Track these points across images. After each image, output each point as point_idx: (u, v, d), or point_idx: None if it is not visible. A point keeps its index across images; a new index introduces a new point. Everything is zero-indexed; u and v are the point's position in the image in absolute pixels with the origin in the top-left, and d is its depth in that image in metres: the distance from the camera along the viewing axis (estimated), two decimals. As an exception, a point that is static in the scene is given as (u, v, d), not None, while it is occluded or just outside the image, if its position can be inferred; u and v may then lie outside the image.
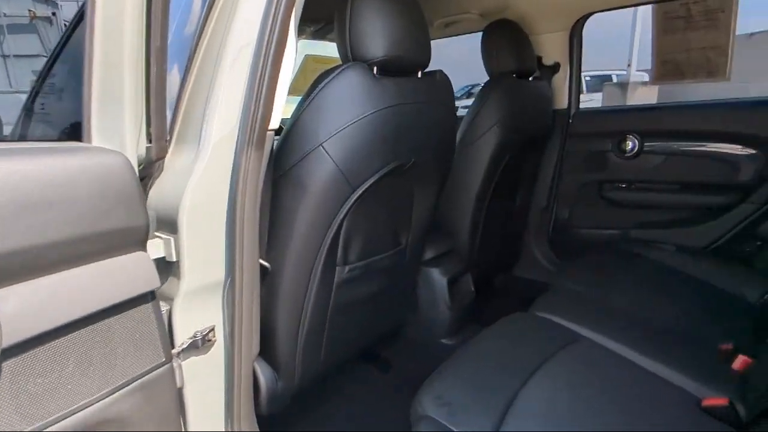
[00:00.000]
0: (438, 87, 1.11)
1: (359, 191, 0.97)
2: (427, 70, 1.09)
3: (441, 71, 1.13)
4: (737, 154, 1.64)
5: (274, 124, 0.80)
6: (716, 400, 0.93)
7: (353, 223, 1.03)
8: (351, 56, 0.96)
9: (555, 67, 1.91)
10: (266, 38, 0.73)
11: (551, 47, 1.89)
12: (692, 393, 0.96)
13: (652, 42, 1.70)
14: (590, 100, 9.45)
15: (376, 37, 0.93)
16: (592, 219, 2.00)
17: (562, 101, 1.96)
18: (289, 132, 0.93)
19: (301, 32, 2.18)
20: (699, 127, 1.70)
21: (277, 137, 0.88)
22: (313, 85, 0.92)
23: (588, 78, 10.17)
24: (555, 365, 0.98)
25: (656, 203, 1.83)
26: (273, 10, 0.74)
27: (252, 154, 0.76)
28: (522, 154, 1.75)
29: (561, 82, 1.94)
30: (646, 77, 8.60)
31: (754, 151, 1.61)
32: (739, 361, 1.05)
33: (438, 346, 1.54)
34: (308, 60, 2.17)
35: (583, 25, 1.87)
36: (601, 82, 9.66)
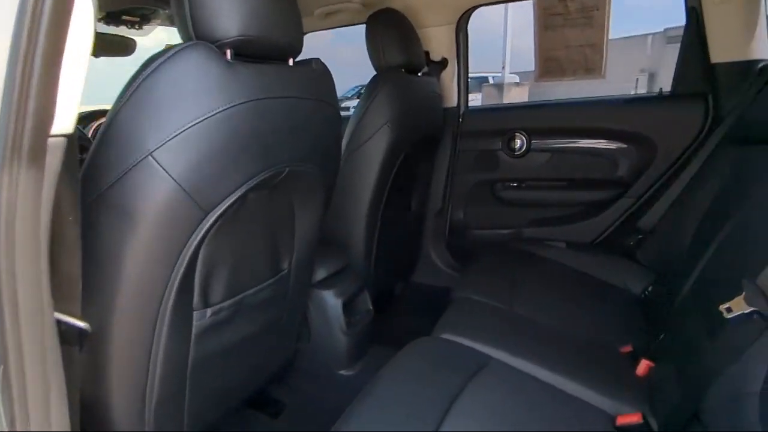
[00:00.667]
0: (315, 79, 0.90)
1: (214, 214, 0.73)
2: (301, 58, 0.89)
3: (318, 59, 0.93)
4: (614, 150, 1.70)
5: (65, 126, 0.53)
6: (629, 417, 0.89)
7: (212, 253, 0.80)
8: (194, 34, 0.72)
9: (443, 63, 1.82)
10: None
11: (438, 42, 1.80)
12: (607, 411, 0.92)
13: (534, 38, 1.68)
14: (473, 100, 10.01)
15: (229, 9, 0.71)
16: (486, 219, 1.95)
17: (451, 99, 1.88)
18: (102, 137, 0.67)
19: (157, 17, 1.83)
20: (580, 124, 1.73)
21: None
22: (137, 72, 0.67)
23: (469, 79, 10.78)
24: (469, 398, 0.86)
25: (546, 201, 1.83)
26: None
27: (23, 171, 0.49)
28: (415, 156, 1.64)
29: (449, 79, 1.86)
30: (517, 79, 9.35)
31: (625, 146, 1.67)
32: (642, 367, 1.02)
33: (337, 380, 1.34)
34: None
35: (468, 19, 1.81)
36: (479, 83, 10.28)
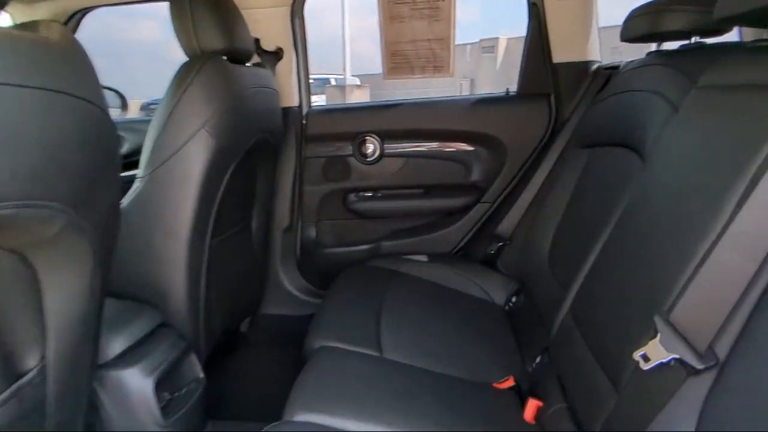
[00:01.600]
0: (265, 73, 1.31)
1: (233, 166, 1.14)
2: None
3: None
4: (466, 153, 1.61)
5: None
6: None
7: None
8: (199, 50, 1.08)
9: (278, 54, 1.52)
10: None
11: (269, 28, 1.50)
12: None
13: (380, 31, 1.50)
14: (315, 102, 9.81)
15: (220, 32, 1.10)
16: (341, 235, 1.72)
17: (291, 97, 1.59)
18: (165, 123, 1.01)
19: None
20: (432, 125, 1.60)
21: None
22: (179, 80, 1.04)
23: (311, 80, 10.55)
24: None
25: (403, 211, 1.67)
26: None
27: None
28: (250, 166, 1.32)
29: (286, 73, 1.57)
30: (358, 81, 9.46)
31: (477, 149, 1.60)
32: (530, 410, 0.89)
33: None
34: None
35: (304, 2, 1.54)
36: (322, 84, 10.15)
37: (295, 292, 1.71)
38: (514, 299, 1.36)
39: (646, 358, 0.60)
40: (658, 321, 0.60)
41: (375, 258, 1.55)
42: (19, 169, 0.50)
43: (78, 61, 0.58)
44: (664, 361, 0.58)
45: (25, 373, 0.62)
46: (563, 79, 1.45)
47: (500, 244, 1.50)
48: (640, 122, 0.97)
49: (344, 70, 8.79)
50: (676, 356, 0.56)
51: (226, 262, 1.26)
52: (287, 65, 1.55)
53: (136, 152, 1.17)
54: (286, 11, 1.49)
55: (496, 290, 1.40)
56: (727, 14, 0.68)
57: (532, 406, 0.89)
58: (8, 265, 0.58)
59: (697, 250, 0.60)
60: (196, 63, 1.06)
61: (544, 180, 1.42)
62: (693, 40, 0.98)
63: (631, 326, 0.69)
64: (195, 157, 1.02)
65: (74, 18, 1.61)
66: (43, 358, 0.64)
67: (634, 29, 1.04)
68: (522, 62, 1.52)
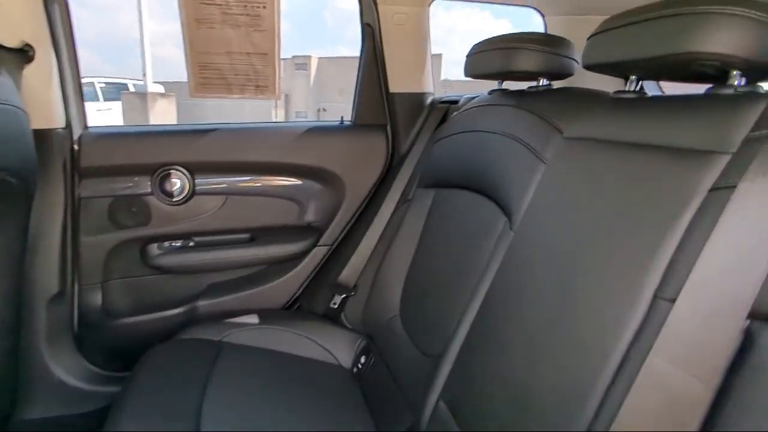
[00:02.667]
0: None
1: None
2: None
3: None
4: (300, 189, 1.38)
5: None
6: None
7: None
8: None
9: (27, 53, 1.06)
10: None
11: (11, 17, 1.03)
12: None
13: (183, 36, 1.17)
14: (109, 109, 8.35)
15: None
16: (140, 299, 1.31)
17: (52, 115, 1.13)
18: None
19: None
20: (258, 157, 1.33)
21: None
22: None
23: (103, 85, 8.95)
24: None
25: (225, 261, 1.35)
26: None
27: None
28: None
29: (43, 81, 1.10)
30: (162, 89, 8.38)
31: (313, 184, 1.39)
32: None
33: None
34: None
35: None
36: (117, 90, 8.71)
37: (74, 382, 1.23)
38: (363, 359, 1.18)
39: None
40: None
41: (191, 326, 1.19)
42: None
43: None
44: None
45: None
46: (400, 110, 1.35)
47: (344, 295, 1.31)
48: (496, 168, 0.89)
49: (144, 74, 7.64)
50: None
51: None
52: (43, 70, 1.09)
53: None
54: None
55: (341, 350, 1.20)
56: (593, 63, 0.67)
57: None
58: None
59: (613, 355, 0.52)
60: None
61: (388, 221, 1.28)
62: (541, 82, 0.95)
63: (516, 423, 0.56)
64: None
65: None
66: None
67: (479, 65, 0.97)
68: (356, 89, 1.37)
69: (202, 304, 1.32)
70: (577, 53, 0.94)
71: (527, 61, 0.89)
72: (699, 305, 0.46)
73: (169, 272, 1.31)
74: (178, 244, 1.31)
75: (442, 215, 1.11)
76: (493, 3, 1.28)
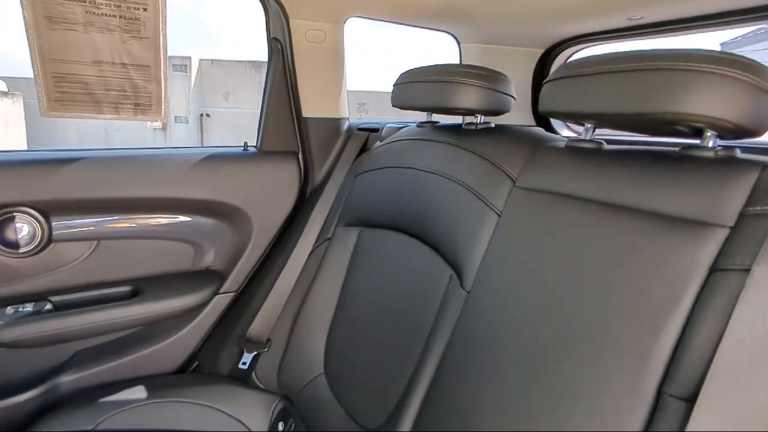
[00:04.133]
0: None
1: None
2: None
3: None
4: (197, 228, 1.15)
5: None
6: None
7: None
8: None
9: None
10: None
11: None
12: None
13: (27, 37, 0.88)
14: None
15: None
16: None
17: None
18: None
19: None
20: (142, 191, 1.07)
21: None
22: None
23: None
24: None
25: (96, 326, 1.05)
26: None
27: None
28: None
29: None
30: (4, 86, 7.00)
31: (213, 221, 1.17)
32: None
33: None
34: None
35: None
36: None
37: None
38: (281, 426, 1.01)
39: None
40: None
41: (51, 414, 0.90)
42: None
43: None
44: None
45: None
46: (313, 136, 1.20)
47: (254, 352, 1.10)
48: (436, 213, 0.79)
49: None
50: None
51: None
52: None
53: None
54: None
55: (254, 416, 1.00)
56: (553, 109, 0.65)
57: None
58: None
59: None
60: None
61: (305, 263, 1.12)
62: (480, 119, 0.88)
63: None
64: None
65: None
66: None
67: (409, 96, 0.87)
68: (262, 112, 1.18)
69: (66, 380, 1.02)
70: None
71: (468, 97, 0.81)
72: (720, 407, 0.40)
73: (16, 347, 0.99)
74: (29, 309, 0.99)
75: (369, 258, 0.98)
76: (410, 26, 1.19)
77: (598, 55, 0.59)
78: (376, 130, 1.18)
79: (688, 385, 0.43)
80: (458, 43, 1.29)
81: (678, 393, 0.43)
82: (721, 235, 0.46)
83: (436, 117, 1.01)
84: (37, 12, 0.86)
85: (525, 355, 0.56)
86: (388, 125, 1.14)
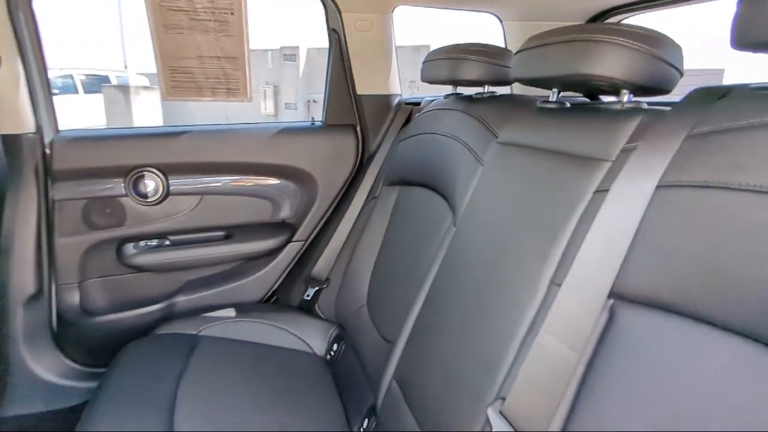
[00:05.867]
0: None
1: None
2: None
3: None
4: (274, 188, 1.43)
5: None
6: None
7: None
8: None
9: (-8, 61, 1.08)
10: None
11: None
12: None
13: (152, 40, 1.19)
14: (89, 103, 8.23)
15: None
16: (117, 296, 1.35)
17: (21, 121, 1.15)
18: None
19: None
20: (232, 157, 1.36)
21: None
22: None
23: (83, 77, 8.80)
24: None
25: (201, 259, 1.39)
26: None
27: None
28: None
29: (11, 87, 1.13)
30: (147, 81, 8.25)
31: (286, 183, 1.43)
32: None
33: None
34: None
35: (32, -5, 1.13)
36: (99, 82, 8.57)
37: (54, 379, 1.27)
38: (335, 347, 1.24)
39: None
40: (492, 414, 0.55)
41: (169, 322, 1.24)
42: None
43: None
44: None
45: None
46: (368, 111, 1.39)
47: (317, 287, 1.36)
48: (446, 168, 0.95)
49: (126, 67, 7.54)
50: None
51: None
52: (10, 77, 1.12)
53: None
54: (1, 5, 1.06)
55: (315, 339, 1.25)
56: (520, 76, 0.77)
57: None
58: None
59: (519, 332, 0.60)
60: None
61: (357, 217, 1.33)
62: (486, 89, 1.01)
63: (463, 413, 0.64)
64: None
65: None
66: None
67: (432, 72, 1.03)
68: (326, 92, 1.41)
69: (180, 300, 1.36)
70: None
71: (471, 70, 0.97)
72: (576, 289, 0.53)
73: (145, 271, 1.35)
74: (153, 243, 1.34)
75: (403, 212, 1.16)
76: (455, 9, 1.32)
77: (549, 30, 0.71)
78: (418, 104, 1.34)
79: (563, 275, 0.56)
80: (501, 21, 1.39)
81: (557, 281, 0.58)
82: (606, 167, 0.59)
83: (462, 90, 1.15)
84: (157, 21, 1.17)
85: (477, 268, 0.72)
86: (426, 98, 1.29)
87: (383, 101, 1.40)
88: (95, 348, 1.30)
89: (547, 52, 0.68)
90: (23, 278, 1.20)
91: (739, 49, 0.45)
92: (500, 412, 0.57)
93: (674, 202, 0.47)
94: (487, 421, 0.58)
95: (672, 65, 0.60)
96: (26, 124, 1.15)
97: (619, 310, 0.51)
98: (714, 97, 0.52)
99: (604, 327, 0.51)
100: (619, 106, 0.65)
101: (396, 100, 1.42)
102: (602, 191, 0.57)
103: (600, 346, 0.51)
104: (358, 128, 1.42)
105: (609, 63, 0.59)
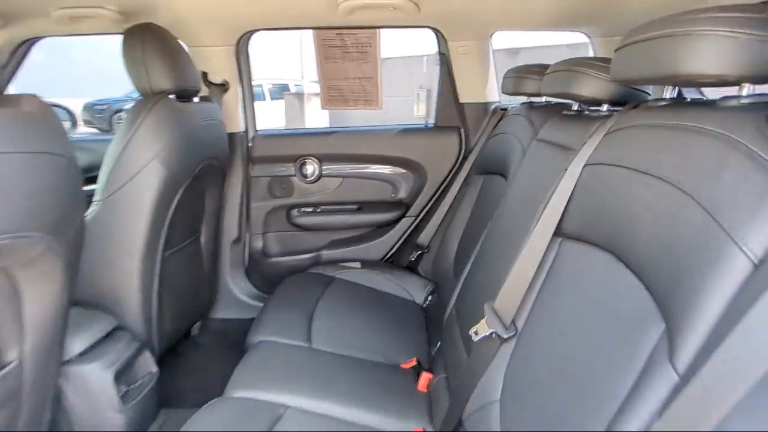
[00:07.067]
0: (212, 107, 1.51)
1: (180, 191, 1.32)
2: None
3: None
4: (394, 175, 1.86)
5: None
6: None
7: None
8: (150, 90, 1.25)
9: (225, 86, 1.71)
10: None
11: (217, 63, 1.68)
12: None
13: (317, 67, 1.72)
14: (271, 108, 9.93)
15: (169, 73, 1.27)
16: (285, 246, 1.93)
17: (237, 124, 1.78)
18: (118, 159, 1.18)
19: None
20: (365, 151, 1.84)
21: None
22: (132, 118, 1.21)
23: (270, 86, 10.65)
24: None
25: (339, 224, 1.90)
26: None
27: None
28: (200, 186, 1.50)
29: (233, 102, 1.76)
30: (318, 89, 9.59)
31: (403, 171, 1.85)
32: (423, 381, 1.13)
33: None
34: None
35: (249, 41, 1.74)
36: (281, 90, 10.23)
37: (243, 298, 1.90)
38: (429, 298, 1.61)
39: (476, 333, 0.84)
40: (486, 307, 0.85)
41: (315, 266, 1.76)
42: (15, 210, 0.69)
43: (51, 125, 0.77)
44: (486, 334, 0.82)
45: (7, 365, 0.80)
46: (469, 116, 1.73)
47: (420, 252, 1.75)
48: (509, 159, 1.24)
49: (302, 77, 8.92)
50: (493, 330, 0.81)
51: (177, 272, 1.43)
52: (233, 95, 1.74)
53: (90, 169, 1.34)
54: (231, 49, 1.68)
55: (416, 291, 1.64)
56: (623, 77, 0.73)
57: (424, 378, 1.13)
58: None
59: (521, 245, 0.83)
60: (147, 103, 1.22)
61: (453, 199, 1.69)
62: (544, 99, 1.27)
63: (475, 312, 0.93)
64: (146, 184, 1.20)
65: (23, 46, 1.72)
66: (21, 352, 0.82)
67: (506, 86, 1.33)
68: (437, 101, 1.79)
69: (324, 252, 1.89)
70: None
71: (528, 86, 1.24)
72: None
73: (303, 229, 1.90)
74: (309, 210, 1.89)
75: (484, 194, 1.47)
76: (548, 30, 1.56)
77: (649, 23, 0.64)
78: (506, 109, 1.63)
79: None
80: (590, 39, 1.58)
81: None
82: None
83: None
84: (321, 54, 1.69)
85: (510, 229, 1.01)
86: (512, 105, 1.58)
87: (481, 107, 1.72)
88: (268, 279, 1.89)
89: (650, 48, 0.61)
90: (231, 228, 1.83)
91: None
92: (492, 306, 0.84)
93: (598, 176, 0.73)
94: (483, 314, 0.86)
95: None
96: (239, 125, 1.78)
97: (559, 245, 0.78)
98: None
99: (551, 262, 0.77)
100: (734, 102, 0.58)
101: (492, 106, 1.73)
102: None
103: (550, 270, 0.79)
104: (462, 129, 1.77)
105: (708, 57, 0.53)
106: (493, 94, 1.74)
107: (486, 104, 1.73)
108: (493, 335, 0.82)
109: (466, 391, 0.87)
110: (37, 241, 0.75)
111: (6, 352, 0.80)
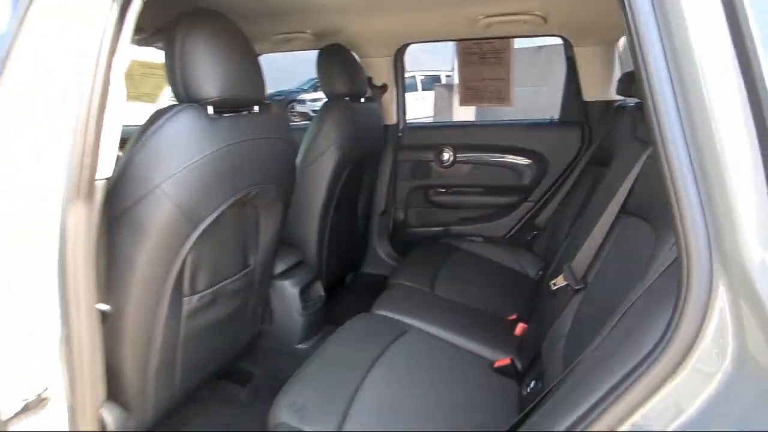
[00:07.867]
0: (274, 121, 1.18)
1: (201, 227, 1.00)
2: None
3: (277, 104, 1.21)
4: (520, 164, 2.10)
5: (105, 172, 0.80)
6: (502, 361, 1.26)
7: (199, 255, 1.06)
8: (184, 96, 0.98)
9: (384, 88, 2.15)
10: (91, 82, 0.73)
11: (379, 70, 2.13)
12: (488, 358, 1.28)
13: (458, 71, 2.05)
14: (424, 98, 10.46)
15: (210, 78, 0.96)
16: (422, 219, 2.32)
17: (391, 117, 2.22)
18: (122, 173, 0.90)
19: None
20: (494, 142, 2.12)
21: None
22: (145, 126, 0.92)
23: (423, 77, 11.22)
24: (389, 357, 1.20)
25: (468, 204, 2.22)
26: (97, 53, 0.73)
27: (81, 207, 0.75)
28: (360, 168, 1.96)
29: (389, 100, 2.20)
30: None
31: (527, 161, 2.09)
32: (519, 328, 1.41)
33: (294, 352, 1.66)
34: (133, 65, 2.05)
35: (404, 52, 2.15)
36: (432, 81, 10.68)
37: (387, 259, 2.35)
38: (540, 273, 1.85)
39: (554, 285, 1.11)
40: (565, 267, 1.11)
41: (445, 237, 2.12)
42: (262, 171, 1.18)
43: (284, 120, 1.25)
44: (561, 285, 1.08)
45: (249, 266, 1.33)
46: (592, 112, 1.88)
47: (535, 232, 1.98)
48: (614, 152, 1.42)
49: (452, 70, 9.24)
50: (567, 283, 1.07)
51: (340, 231, 1.92)
52: (389, 94, 2.18)
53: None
54: (391, 59, 2.11)
55: (529, 266, 1.89)
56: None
57: (520, 327, 1.41)
58: (252, 215, 1.27)
59: (598, 220, 1.04)
60: (330, 105, 1.72)
61: (571, 187, 1.87)
62: None
63: (557, 271, 1.18)
64: (327, 162, 1.69)
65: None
66: (256, 260, 1.35)
67: (618, 88, 1.48)
68: (563, 97, 1.97)
69: (453, 228, 2.24)
70: None
71: None
72: None
73: (438, 206, 2.27)
74: (443, 190, 2.25)
75: (593, 187, 1.64)
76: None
77: None
78: (624, 107, 1.74)
79: None
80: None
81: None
82: None
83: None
84: (461, 60, 2.01)
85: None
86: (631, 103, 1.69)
87: (602, 106, 1.86)
88: (406, 245, 2.31)
89: None
90: (380, 202, 2.29)
91: None
92: (569, 266, 1.11)
93: None
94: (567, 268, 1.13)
95: None
96: (393, 118, 2.21)
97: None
98: None
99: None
100: None
101: (615, 104, 1.85)
102: None
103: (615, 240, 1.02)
104: (585, 125, 1.93)
105: None
106: (612, 94, 1.87)
107: (609, 102, 1.86)
108: (568, 288, 1.08)
109: (544, 329, 1.14)
110: (271, 190, 1.25)
111: (250, 258, 1.33)
